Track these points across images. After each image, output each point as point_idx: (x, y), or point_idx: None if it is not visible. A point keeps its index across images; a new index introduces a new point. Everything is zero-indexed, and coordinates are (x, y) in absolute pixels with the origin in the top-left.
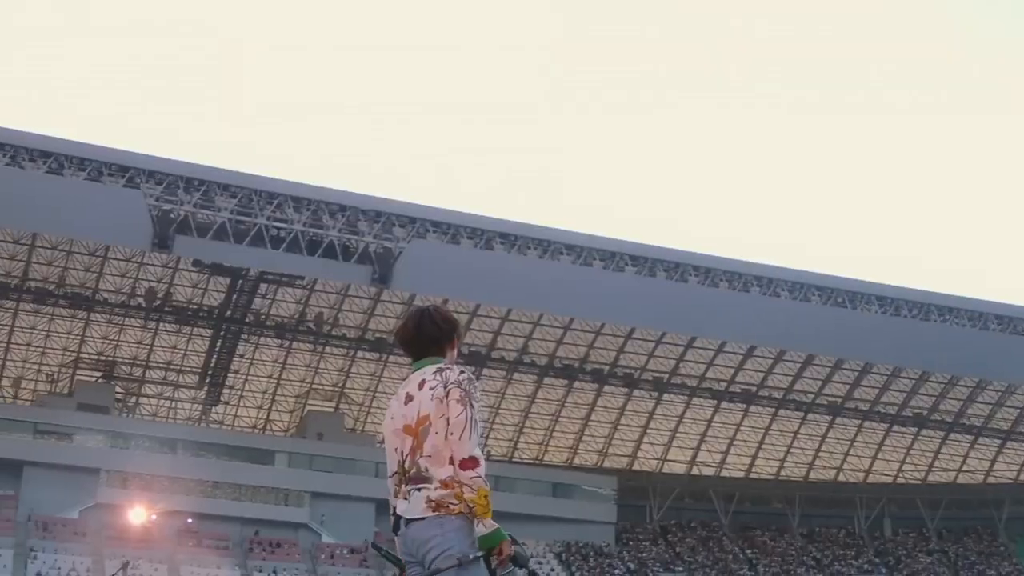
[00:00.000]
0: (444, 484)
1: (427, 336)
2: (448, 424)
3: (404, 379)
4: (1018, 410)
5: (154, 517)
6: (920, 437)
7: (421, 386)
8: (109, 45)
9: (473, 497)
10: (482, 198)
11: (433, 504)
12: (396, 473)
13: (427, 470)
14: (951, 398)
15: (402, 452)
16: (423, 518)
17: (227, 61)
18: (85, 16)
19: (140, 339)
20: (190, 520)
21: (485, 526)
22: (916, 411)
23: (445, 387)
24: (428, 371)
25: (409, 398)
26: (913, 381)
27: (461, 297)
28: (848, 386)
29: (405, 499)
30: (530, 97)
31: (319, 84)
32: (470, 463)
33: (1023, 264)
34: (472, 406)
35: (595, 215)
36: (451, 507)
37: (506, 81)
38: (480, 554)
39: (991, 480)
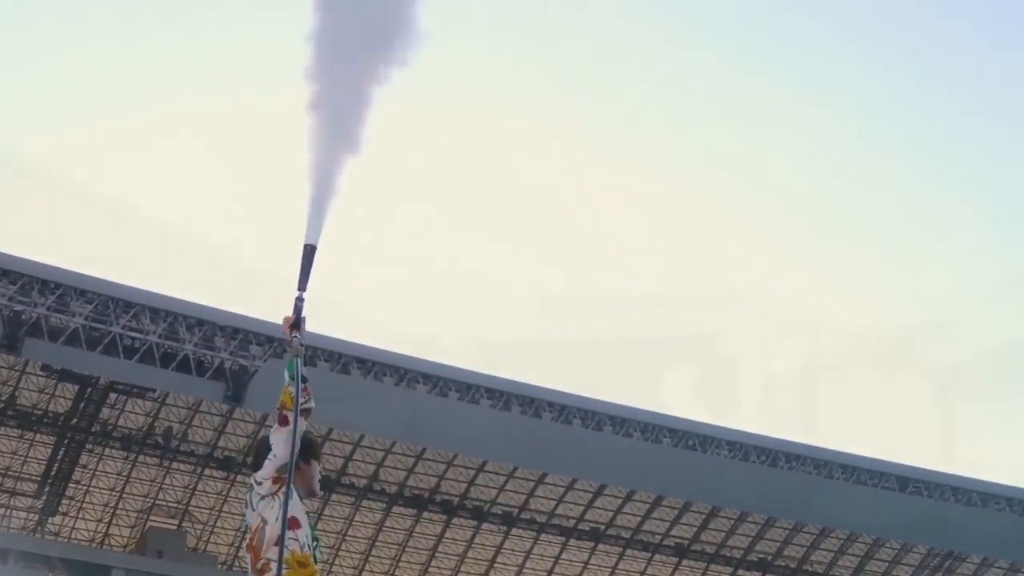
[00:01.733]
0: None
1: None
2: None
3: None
4: (858, 558)
5: None
6: None
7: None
8: None
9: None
10: None
11: None
12: None
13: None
14: (795, 544)
15: (249, 571)
16: None
17: None
18: None
19: None
20: None
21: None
22: (761, 556)
23: (256, 485)
24: None
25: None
26: (759, 526)
27: (314, 420)
28: (695, 528)
29: None
30: None
31: None
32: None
33: (864, 414)
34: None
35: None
36: None
37: None
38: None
39: None
